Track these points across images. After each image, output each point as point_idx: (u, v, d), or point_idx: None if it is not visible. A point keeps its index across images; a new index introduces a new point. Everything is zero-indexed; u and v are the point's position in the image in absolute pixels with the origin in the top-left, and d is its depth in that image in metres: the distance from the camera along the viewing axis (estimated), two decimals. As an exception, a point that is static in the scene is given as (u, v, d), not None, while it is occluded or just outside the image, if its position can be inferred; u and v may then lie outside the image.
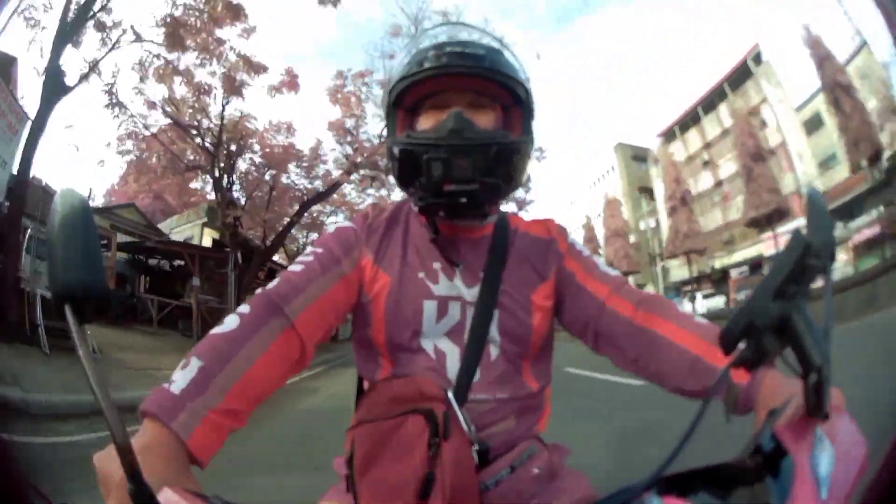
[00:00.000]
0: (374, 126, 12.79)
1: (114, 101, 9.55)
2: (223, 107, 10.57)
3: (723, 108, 23.85)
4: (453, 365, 0.69)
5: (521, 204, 14.40)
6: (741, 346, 0.40)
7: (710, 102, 24.64)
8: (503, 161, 0.69)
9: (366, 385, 0.76)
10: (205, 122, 10.78)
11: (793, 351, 0.40)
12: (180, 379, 0.53)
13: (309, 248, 0.75)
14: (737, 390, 0.55)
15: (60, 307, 0.37)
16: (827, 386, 0.40)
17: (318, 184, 12.75)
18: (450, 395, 0.65)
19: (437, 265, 0.74)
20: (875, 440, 0.51)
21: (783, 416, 0.43)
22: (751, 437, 0.42)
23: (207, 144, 10.88)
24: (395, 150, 0.71)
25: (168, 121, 10.71)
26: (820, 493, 0.37)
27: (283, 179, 12.68)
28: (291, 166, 12.59)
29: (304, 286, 0.67)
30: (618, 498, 0.37)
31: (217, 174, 11.19)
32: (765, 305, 0.38)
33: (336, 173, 12.13)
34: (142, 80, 9.67)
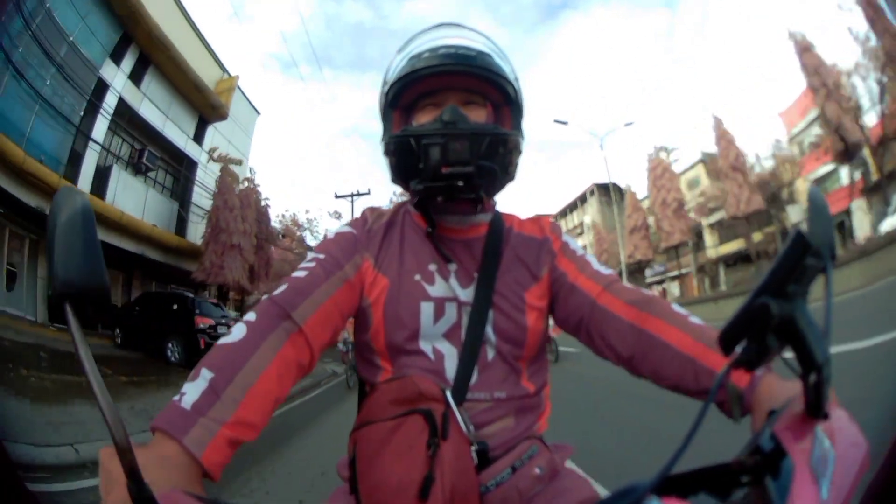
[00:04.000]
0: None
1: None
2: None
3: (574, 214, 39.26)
4: (451, 365, 0.70)
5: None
6: (740, 346, 0.40)
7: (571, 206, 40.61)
8: (496, 151, 0.71)
9: (368, 388, 0.77)
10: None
11: (792, 351, 0.40)
12: (190, 392, 0.53)
13: (311, 255, 0.75)
14: (739, 392, 0.54)
15: (61, 307, 0.37)
16: (827, 386, 0.40)
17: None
18: (448, 394, 0.65)
19: (432, 267, 0.75)
20: (875, 440, 0.51)
21: (783, 417, 0.43)
22: (751, 438, 0.41)
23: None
24: (392, 145, 0.73)
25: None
26: (820, 494, 0.37)
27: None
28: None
29: (309, 291, 0.68)
30: (620, 499, 0.37)
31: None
32: (764, 305, 0.37)
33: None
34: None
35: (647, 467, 0.38)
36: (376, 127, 0.82)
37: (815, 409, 0.41)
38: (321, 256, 0.74)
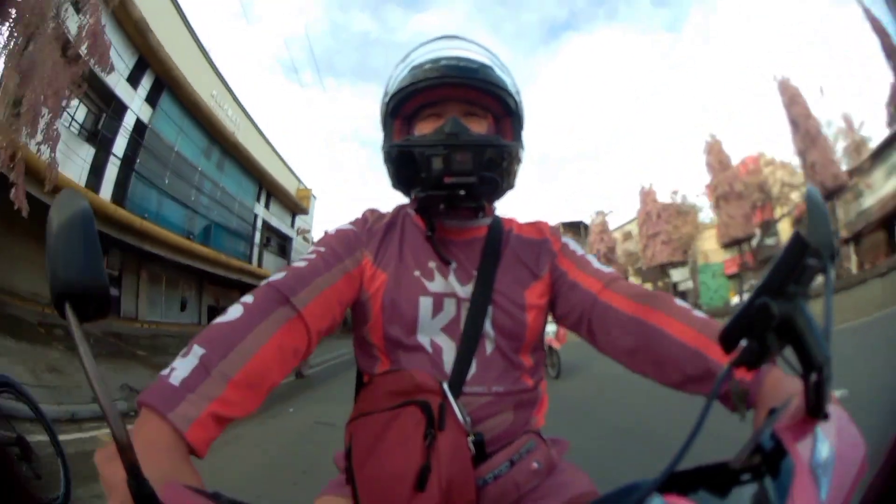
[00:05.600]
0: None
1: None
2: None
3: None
4: (449, 359, 0.70)
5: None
6: (742, 345, 0.40)
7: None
8: (497, 162, 0.73)
9: (365, 379, 0.77)
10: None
11: (793, 350, 0.40)
12: (180, 368, 0.52)
13: (311, 248, 0.76)
14: (743, 391, 0.54)
15: (61, 306, 0.37)
16: (827, 386, 0.40)
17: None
18: (445, 386, 0.66)
19: (432, 264, 0.76)
20: (875, 440, 0.51)
21: (783, 416, 0.43)
22: (751, 437, 0.42)
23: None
24: (394, 153, 0.74)
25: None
26: (819, 494, 0.37)
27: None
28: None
29: (310, 278, 0.68)
30: (624, 496, 0.37)
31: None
32: (764, 305, 0.38)
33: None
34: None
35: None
36: (376, 135, 0.86)
37: (815, 408, 0.41)
38: (322, 249, 0.74)
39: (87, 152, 10.55)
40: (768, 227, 20.68)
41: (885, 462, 0.73)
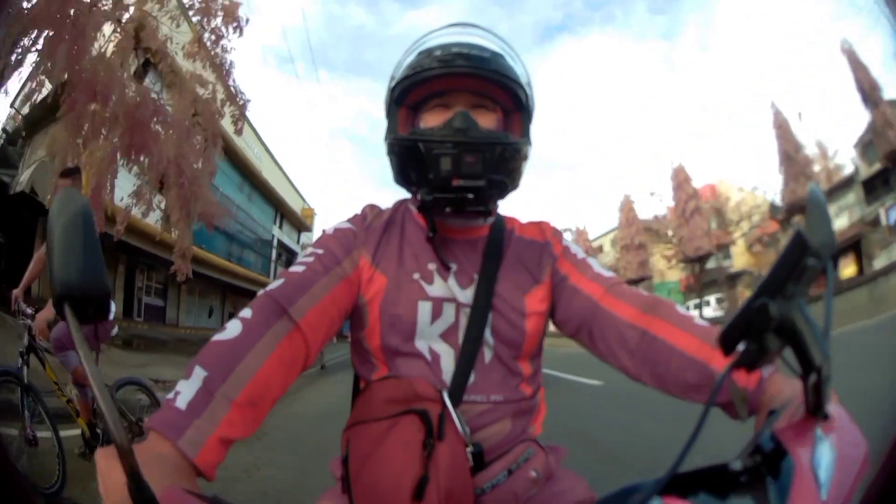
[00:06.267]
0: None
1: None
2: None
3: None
4: (448, 366, 0.69)
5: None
6: (741, 346, 0.40)
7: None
8: (507, 161, 0.70)
9: (362, 385, 0.76)
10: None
11: (793, 351, 0.39)
12: (185, 391, 0.52)
13: (309, 249, 0.74)
14: (743, 392, 0.54)
15: (60, 307, 0.37)
16: (827, 386, 0.40)
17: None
18: (444, 395, 0.64)
19: (432, 266, 0.74)
20: (875, 440, 0.51)
21: (783, 416, 0.43)
22: (751, 438, 0.41)
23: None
24: (398, 146, 0.71)
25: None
26: (820, 494, 0.36)
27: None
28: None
29: (307, 286, 0.66)
30: (623, 498, 0.37)
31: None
32: (763, 306, 0.37)
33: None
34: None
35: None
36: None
37: (815, 409, 0.41)
38: (320, 252, 0.72)
39: (158, 197, 12.51)
40: (717, 250, 25.02)
41: (885, 461, 0.72)
